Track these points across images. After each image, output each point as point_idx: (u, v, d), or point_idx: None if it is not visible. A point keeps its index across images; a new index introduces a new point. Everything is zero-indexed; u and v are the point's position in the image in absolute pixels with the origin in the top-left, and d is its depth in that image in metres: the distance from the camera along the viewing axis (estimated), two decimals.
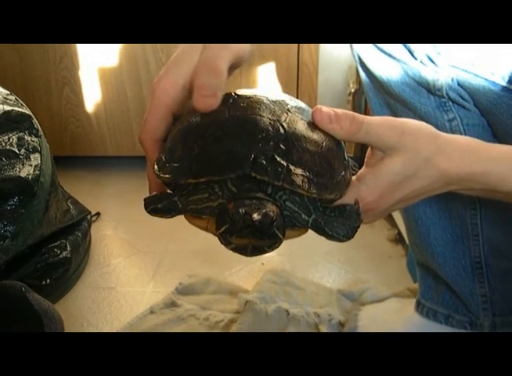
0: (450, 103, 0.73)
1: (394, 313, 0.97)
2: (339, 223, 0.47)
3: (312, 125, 0.48)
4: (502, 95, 0.66)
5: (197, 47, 0.51)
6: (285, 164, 0.44)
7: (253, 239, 0.42)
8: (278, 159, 0.44)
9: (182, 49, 0.52)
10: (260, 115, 0.47)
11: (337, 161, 0.48)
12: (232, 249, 0.44)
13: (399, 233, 1.38)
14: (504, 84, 0.65)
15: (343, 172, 0.48)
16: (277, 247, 0.44)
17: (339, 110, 0.49)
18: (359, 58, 0.81)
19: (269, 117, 0.47)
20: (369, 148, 0.51)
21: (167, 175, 0.47)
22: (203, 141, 0.46)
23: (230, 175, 0.44)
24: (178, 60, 0.52)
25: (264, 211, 0.41)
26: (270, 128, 0.46)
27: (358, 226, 0.47)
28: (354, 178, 0.50)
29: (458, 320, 0.87)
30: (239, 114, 0.47)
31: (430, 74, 0.72)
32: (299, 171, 0.44)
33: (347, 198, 0.48)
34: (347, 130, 0.48)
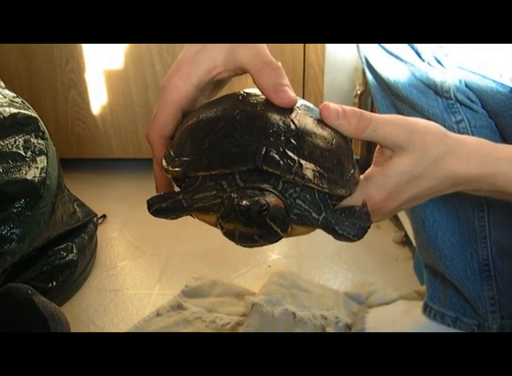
0: (458, 104, 0.73)
1: (401, 316, 0.96)
2: (349, 223, 0.46)
3: (321, 123, 0.48)
4: (510, 97, 0.66)
5: (214, 46, 0.51)
6: (296, 158, 0.44)
7: (238, 224, 0.41)
8: (289, 153, 0.44)
9: (194, 47, 0.52)
10: (270, 111, 0.47)
11: (346, 159, 0.48)
12: (224, 234, 0.43)
13: (406, 235, 1.37)
14: None
15: (352, 170, 0.48)
16: (273, 240, 0.43)
17: (347, 107, 0.49)
18: (366, 60, 0.81)
19: (280, 113, 0.47)
20: (378, 146, 0.51)
21: (176, 169, 0.47)
22: (213, 135, 0.46)
23: (241, 167, 0.43)
24: (192, 58, 0.51)
25: (256, 198, 0.40)
26: (281, 123, 0.46)
27: (369, 227, 0.46)
28: (362, 177, 0.50)
29: (466, 323, 0.86)
30: (250, 110, 0.47)
31: (437, 75, 0.71)
32: (310, 165, 0.44)
33: (356, 197, 0.48)
34: (355, 127, 0.48)
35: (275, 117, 0.46)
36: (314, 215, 0.46)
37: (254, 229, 0.41)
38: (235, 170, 0.44)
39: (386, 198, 0.49)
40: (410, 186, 0.49)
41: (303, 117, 0.48)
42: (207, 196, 0.46)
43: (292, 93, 0.49)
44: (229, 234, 0.42)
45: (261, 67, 0.50)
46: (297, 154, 0.44)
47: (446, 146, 0.49)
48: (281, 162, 0.43)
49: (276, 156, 0.43)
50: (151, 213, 0.49)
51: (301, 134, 0.45)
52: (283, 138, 0.45)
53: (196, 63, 0.51)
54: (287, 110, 0.48)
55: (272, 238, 0.43)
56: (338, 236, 0.46)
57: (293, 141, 0.45)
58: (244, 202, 0.40)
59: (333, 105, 0.48)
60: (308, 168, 0.44)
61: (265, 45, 0.52)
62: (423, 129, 0.49)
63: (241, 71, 0.52)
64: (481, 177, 0.49)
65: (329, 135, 0.47)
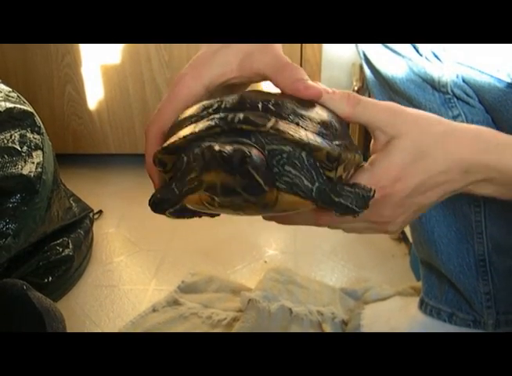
0: (455, 99, 0.73)
1: (397, 312, 0.96)
2: (347, 192, 0.44)
3: (316, 105, 0.48)
4: (507, 92, 0.66)
5: (233, 48, 0.51)
6: (274, 118, 0.43)
7: (220, 173, 0.39)
8: (266, 115, 0.44)
9: (210, 49, 0.52)
10: (265, 93, 0.48)
11: (341, 131, 0.47)
12: (205, 190, 0.41)
13: (402, 232, 1.37)
14: (509, 81, 0.65)
15: (347, 140, 0.47)
16: (257, 193, 0.42)
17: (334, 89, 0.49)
18: (364, 55, 0.81)
19: (276, 96, 0.47)
20: (372, 141, 0.50)
21: (158, 154, 0.47)
22: (197, 118, 0.46)
23: (215, 129, 0.43)
24: (209, 59, 0.51)
25: (237, 146, 0.39)
26: (265, 102, 0.45)
27: (372, 196, 0.45)
28: (366, 164, 0.49)
29: (461, 318, 0.86)
30: (242, 95, 0.47)
31: (435, 70, 0.71)
32: (288, 123, 0.44)
33: (361, 181, 0.47)
34: (346, 102, 0.48)
35: (266, 97, 0.46)
36: (306, 182, 0.44)
37: (236, 178, 0.39)
38: (206, 133, 0.43)
39: (394, 180, 0.48)
40: (416, 167, 0.47)
41: (291, 97, 0.47)
42: (193, 178, 0.45)
43: (318, 86, 0.48)
44: (211, 188, 0.40)
45: (281, 67, 0.49)
46: (274, 115, 0.44)
47: (444, 126, 0.48)
48: (256, 120, 0.43)
49: (252, 117, 0.43)
50: (150, 206, 0.48)
51: (283, 103, 0.45)
52: (260, 105, 0.45)
53: (210, 65, 0.51)
54: (286, 96, 0.48)
55: (255, 191, 0.41)
56: (338, 207, 0.44)
57: (272, 107, 0.45)
58: (227, 148, 0.38)
59: (321, 85, 0.49)
60: (286, 124, 0.43)
61: (280, 48, 0.52)
62: (416, 112, 0.49)
63: (258, 78, 0.52)
64: (491, 161, 0.48)
65: (323, 111, 0.47)
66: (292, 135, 0.42)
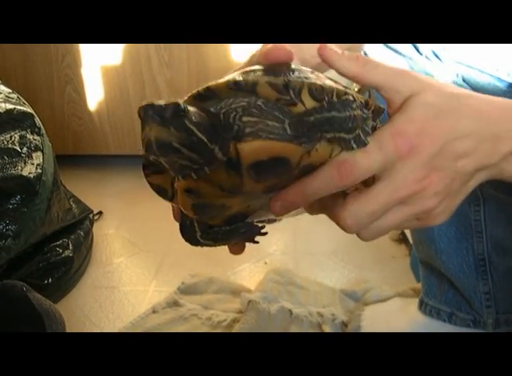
0: None
1: (397, 313, 0.96)
2: (331, 105, 0.40)
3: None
4: (507, 92, 0.66)
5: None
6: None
7: (154, 126, 0.36)
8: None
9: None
10: None
11: (309, 73, 0.44)
12: (145, 150, 0.38)
13: (403, 233, 1.37)
14: (510, 80, 0.65)
15: (323, 80, 0.43)
16: (203, 153, 0.39)
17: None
18: (366, 55, 0.81)
19: None
20: (386, 103, 0.46)
21: (147, 178, 0.47)
22: None
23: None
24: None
25: (171, 100, 0.37)
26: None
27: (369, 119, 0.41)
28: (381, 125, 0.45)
29: (461, 318, 0.86)
30: None
31: (435, 69, 0.71)
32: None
33: (382, 137, 0.41)
34: (355, 62, 0.44)
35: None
36: (271, 123, 0.40)
37: (170, 130, 0.36)
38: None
39: (419, 132, 0.41)
40: (440, 124, 0.42)
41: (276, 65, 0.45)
42: None
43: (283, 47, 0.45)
44: (148, 147, 0.37)
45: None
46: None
47: (465, 91, 0.45)
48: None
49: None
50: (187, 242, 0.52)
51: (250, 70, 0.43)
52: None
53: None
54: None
55: (199, 148, 0.38)
56: (322, 125, 0.40)
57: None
58: (159, 101, 0.36)
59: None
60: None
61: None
62: (431, 78, 0.46)
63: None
64: None
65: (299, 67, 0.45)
66: (217, 82, 0.41)
